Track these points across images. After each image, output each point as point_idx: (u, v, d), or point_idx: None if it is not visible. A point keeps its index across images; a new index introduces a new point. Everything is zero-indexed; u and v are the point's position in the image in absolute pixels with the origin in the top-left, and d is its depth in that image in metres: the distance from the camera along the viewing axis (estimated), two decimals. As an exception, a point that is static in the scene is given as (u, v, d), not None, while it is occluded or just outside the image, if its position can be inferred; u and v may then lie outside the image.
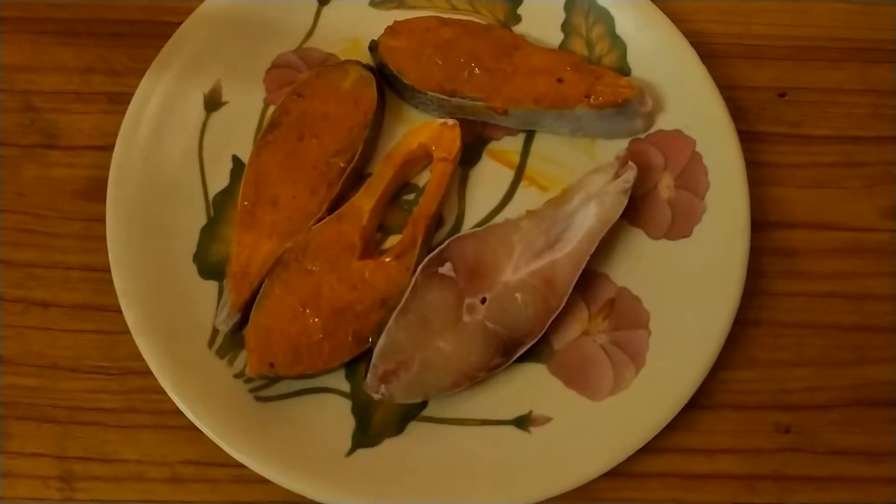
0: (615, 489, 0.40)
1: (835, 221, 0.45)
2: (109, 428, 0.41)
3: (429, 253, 0.41)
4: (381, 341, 0.39)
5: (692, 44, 0.45)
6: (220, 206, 0.43)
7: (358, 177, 0.44)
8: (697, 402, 0.40)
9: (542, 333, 0.40)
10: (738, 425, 0.41)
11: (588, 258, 0.41)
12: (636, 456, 0.39)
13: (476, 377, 0.39)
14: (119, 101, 0.45)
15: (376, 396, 0.39)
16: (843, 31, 0.49)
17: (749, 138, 0.45)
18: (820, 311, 0.43)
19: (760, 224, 0.44)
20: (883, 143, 0.47)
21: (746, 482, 0.41)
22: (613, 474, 0.39)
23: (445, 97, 0.44)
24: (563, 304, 0.40)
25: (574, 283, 0.40)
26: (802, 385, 0.42)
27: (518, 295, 0.40)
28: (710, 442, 0.41)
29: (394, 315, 0.39)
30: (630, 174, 0.42)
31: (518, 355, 0.40)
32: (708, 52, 0.47)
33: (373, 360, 0.39)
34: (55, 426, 0.41)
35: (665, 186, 0.44)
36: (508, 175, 0.45)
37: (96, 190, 0.44)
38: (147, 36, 0.47)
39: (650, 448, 0.39)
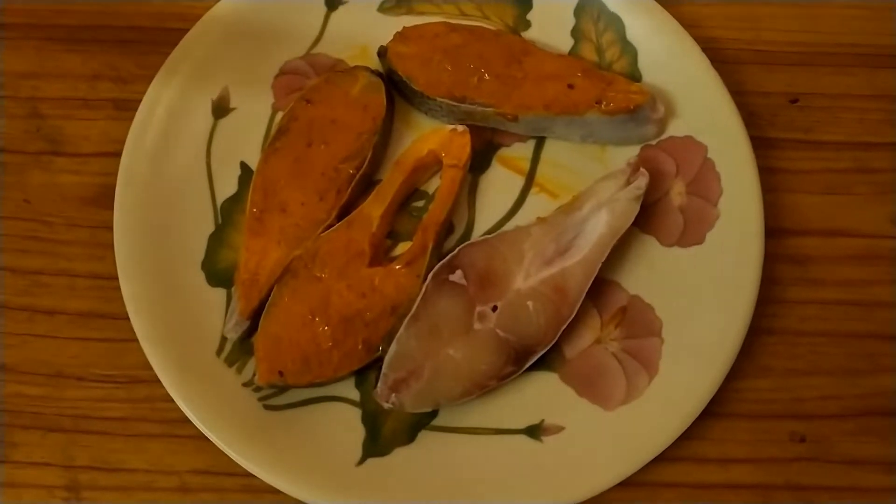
0: (628, 499, 0.40)
1: (847, 228, 0.45)
2: (116, 437, 0.41)
3: (439, 260, 0.40)
4: (392, 349, 0.38)
5: (703, 49, 0.45)
6: (228, 213, 0.43)
7: (367, 183, 0.44)
8: (711, 411, 0.40)
9: (553, 342, 0.40)
10: (753, 434, 0.41)
11: (599, 266, 0.40)
12: (649, 465, 0.38)
13: (487, 386, 0.39)
14: (126, 108, 0.45)
15: (387, 405, 0.38)
16: (854, 36, 0.49)
17: (760, 144, 0.45)
18: (834, 319, 0.43)
19: (772, 230, 0.43)
20: (894, 149, 0.46)
21: (761, 492, 0.40)
22: (626, 484, 0.38)
23: (455, 103, 0.44)
24: (575, 313, 0.40)
25: (586, 290, 0.40)
26: (817, 394, 0.42)
27: (529, 303, 0.40)
28: (724, 451, 0.41)
29: (404, 323, 0.39)
30: (641, 181, 0.41)
31: (529, 364, 0.39)
32: (719, 57, 0.46)
33: (383, 369, 0.38)
34: (61, 435, 0.41)
35: (677, 193, 0.43)
36: (519, 182, 0.44)
37: (103, 197, 0.44)
38: (154, 42, 0.47)
39: (663, 457, 0.38)
